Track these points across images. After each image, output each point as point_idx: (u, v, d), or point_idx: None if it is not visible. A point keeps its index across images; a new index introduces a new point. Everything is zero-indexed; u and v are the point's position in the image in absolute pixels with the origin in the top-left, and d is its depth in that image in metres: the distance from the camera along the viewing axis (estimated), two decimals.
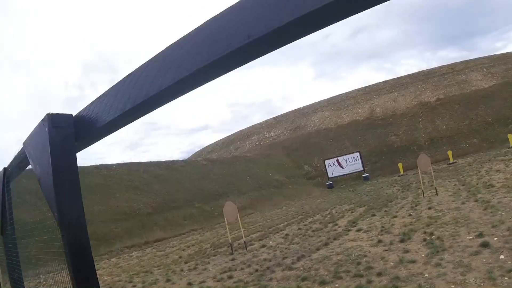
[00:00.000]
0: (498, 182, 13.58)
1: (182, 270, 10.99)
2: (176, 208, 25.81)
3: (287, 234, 13.50)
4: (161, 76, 1.27)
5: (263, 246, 12.16)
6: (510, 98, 35.94)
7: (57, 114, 1.67)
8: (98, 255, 17.79)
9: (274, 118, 56.81)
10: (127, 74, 1.48)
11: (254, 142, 52.26)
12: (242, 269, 9.53)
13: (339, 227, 12.73)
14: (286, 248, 11.04)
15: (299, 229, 14.16)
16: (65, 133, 1.66)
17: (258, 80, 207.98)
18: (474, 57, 47.34)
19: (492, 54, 46.82)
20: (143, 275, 11.39)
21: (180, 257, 13.69)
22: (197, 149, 70.14)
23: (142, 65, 1.39)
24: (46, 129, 1.61)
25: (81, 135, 1.70)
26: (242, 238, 12.54)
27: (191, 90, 1.35)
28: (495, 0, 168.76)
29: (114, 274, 12.79)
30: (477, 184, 14.73)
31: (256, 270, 9.06)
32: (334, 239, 10.88)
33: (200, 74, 1.17)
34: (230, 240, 12.48)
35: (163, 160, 35.41)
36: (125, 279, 11.21)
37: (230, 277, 8.95)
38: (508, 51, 58.40)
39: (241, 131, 59.75)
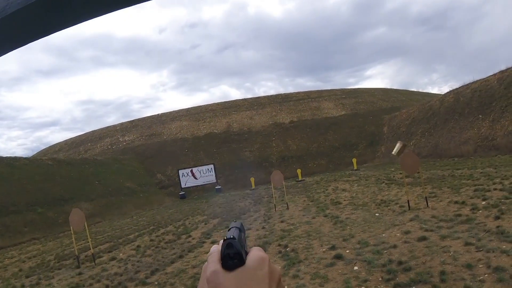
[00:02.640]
0: (344, 200, 14.84)
1: (23, 286, 9.49)
2: (15, 213, 22.37)
3: (138, 246, 12.57)
4: None
5: (113, 258, 11.13)
6: (357, 127, 41.19)
7: None
8: None
9: (130, 121, 54.06)
10: None
11: (107, 145, 48.76)
12: (91, 284, 8.47)
13: (193, 239, 12.36)
14: (138, 261, 10.22)
15: (151, 240, 13.34)
16: None
17: (117, 80, 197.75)
18: (329, 88, 53.05)
19: (345, 87, 53.15)
20: None
21: (20, 270, 11.94)
22: (43, 147, 63.46)
23: None
24: None
25: None
26: (90, 249, 11.31)
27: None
28: (355, 41, 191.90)
29: None
30: (325, 201, 15.90)
31: (107, 286, 8.14)
32: (189, 251, 10.47)
33: None
34: (76, 252, 11.18)
35: (4, 156, 30.51)
36: None
37: None
38: (359, 86, 67.01)
39: (93, 131, 55.33)
